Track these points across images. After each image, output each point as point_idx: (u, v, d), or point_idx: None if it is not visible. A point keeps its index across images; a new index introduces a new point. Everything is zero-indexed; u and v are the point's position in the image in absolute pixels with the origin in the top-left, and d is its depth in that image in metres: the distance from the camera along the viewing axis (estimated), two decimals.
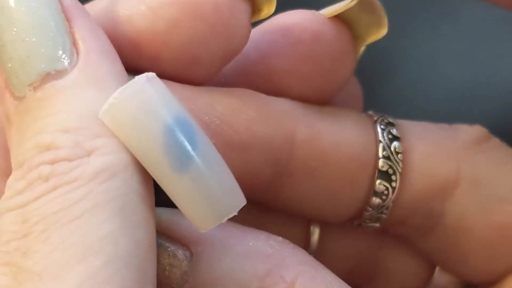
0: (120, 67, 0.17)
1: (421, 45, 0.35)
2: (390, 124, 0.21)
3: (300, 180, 0.19)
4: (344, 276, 0.19)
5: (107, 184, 0.15)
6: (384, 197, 0.19)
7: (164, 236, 0.17)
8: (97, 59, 0.17)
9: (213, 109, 0.18)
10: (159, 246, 0.16)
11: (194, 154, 0.15)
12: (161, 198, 0.16)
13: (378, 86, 0.35)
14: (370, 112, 0.21)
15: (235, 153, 0.18)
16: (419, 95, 0.34)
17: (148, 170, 0.16)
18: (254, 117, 0.18)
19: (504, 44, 0.35)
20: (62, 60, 0.16)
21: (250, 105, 0.18)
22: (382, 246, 0.22)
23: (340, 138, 0.19)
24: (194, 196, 0.16)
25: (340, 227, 0.21)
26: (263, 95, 0.19)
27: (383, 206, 0.19)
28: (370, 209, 0.19)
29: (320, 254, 0.21)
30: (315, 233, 0.21)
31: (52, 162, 0.15)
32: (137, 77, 0.16)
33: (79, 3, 0.18)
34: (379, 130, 0.20)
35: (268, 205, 0.20)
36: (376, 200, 0.19)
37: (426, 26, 0.36)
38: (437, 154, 0.20)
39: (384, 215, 0.19)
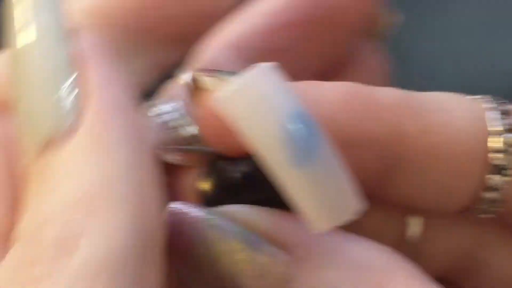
0: (133, 123, 0.16)
1: (420, 44, 0.35)
2: (505, 113, 0.19)
3: (409, 175, 0.18)
4: (443, 272, 0.19)
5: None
6: (497, 191, 0.18)
7: (264, 238, 0.16)
8: (106, 117, 0.15)
9: (320, 105, 0.17)
10: (257, 248, 0.16)
11: (317, 148, 0.15)
12: (262, 196, 0.16)
13: None
14: (479, 97, 0.20)
15: (343, 150, 0.16)
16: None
17: (264, 163, 0.15)
18: (361, 112, 0.17)
19: (501, 40, 0.35)
20: (65, 122, 0.15)
21: (356, 100, 0.17)
22: (488, 240, 0.20)
23: (450, 131, 0.18)
24: (314, 193, 0.15)
25: (443, 219, 0.20)
26: (368, 87, 0.18)
27: (496, 200, 0.18)
28: (483, 202, 0.18)
29: (419, 246, 0.20)
30: (413, 224, 0.20)
31: (39, 244, 0.14)
32: (258, 65, 0.15)
33: (98, 41, 0.17)
34: (492, 118, 0.18)
35: (370, 198, 0.18)
36: (488, 194, 0.18)
37: (423, 23, 0.36)
38: None
39: (499, 208, 0.18)
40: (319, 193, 0.15)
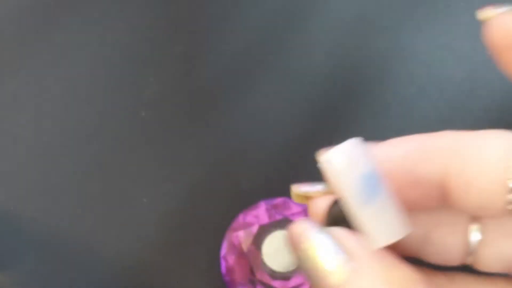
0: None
1: (419, 45, 0.35)
2: None
3: (456, 197, 0.23)
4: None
5: None
6: None
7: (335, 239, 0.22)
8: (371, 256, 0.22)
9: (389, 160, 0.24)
10: (325, 244, 0.22)
11: (378, 195, 0.22)
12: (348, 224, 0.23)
13: (378, 86, 0.35)
14: None
15: (410, 186, 0.23)
16: (418, 94, 0.34)
17: (346, 203, 0.22)
18: (417, 161, 0.24)
19: None
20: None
21: (412, 152, 0.24)
22: None
23: (480, 168, 0.23)
24: (374, 222, 0.22)
25: (499, 225, 0.25)
26: (420, 138, 0.25)
27: None
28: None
29: (480, 251, 0.25)
30: (474, 230, 0.25)
31: None
32: (349, 140, 0.23)
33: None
34: None
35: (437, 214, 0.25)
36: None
37: (423, 25, 0.36)
38: None
39: None
40: (378, 222, 0.22)
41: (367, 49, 0.35)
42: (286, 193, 0.33)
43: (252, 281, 0.29)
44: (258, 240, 0.29)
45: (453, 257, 0.25)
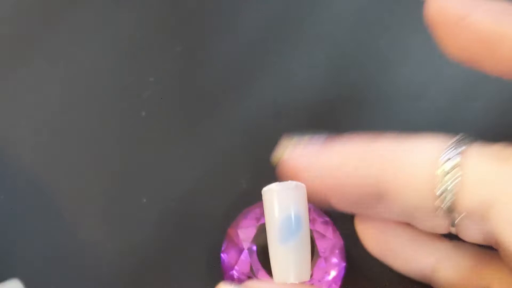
0: None
1: (419, 45, 0.35)
2: (460, 153, 0.26)
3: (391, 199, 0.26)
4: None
5: None
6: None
7: None
8: None
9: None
10: None
11: (292, 238, 0.25)
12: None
13: (377, 86, 0.35)
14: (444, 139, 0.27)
15: (351, 189, 0.26)
16: (418, 94, 0.34)
17: (268, 234, 0.26)
18: (352, 169, 0.27)
19: None
20: None
21: (348, 161, 0.27)
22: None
23: (410, 172, 0.25)
24: (282, 259, 0.25)
25: None
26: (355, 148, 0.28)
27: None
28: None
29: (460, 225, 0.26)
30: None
31: None
32: (290, 181, 0.26)
33: None
34: (442, 161, 0.26)
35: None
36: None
37: (423, 25, 0.36)
38: None
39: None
40: (285, 262, 0.25)
41: (367, 49, 0.35)
42: None
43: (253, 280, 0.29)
44: (258, 239, 0.29)
45: (440, 225, 0.26)
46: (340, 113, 0.34)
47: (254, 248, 0.30)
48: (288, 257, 0.25)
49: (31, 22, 0.37)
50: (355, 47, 0.35)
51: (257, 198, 0.33)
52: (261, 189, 0.33)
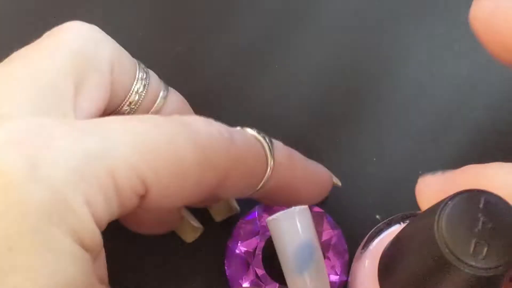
0: None
1: (419, 45, 0.35)
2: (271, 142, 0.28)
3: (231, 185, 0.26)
4: None
5: None
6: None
7: None
8: None
9: None
10: None
11: (308, 266, 0.25)
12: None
13: (378, 86, 0.35)
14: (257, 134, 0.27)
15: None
16: (418, 94, 0.34)
17: (282, 265, 0.25)
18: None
19: None
20: None
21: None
22: None
23: (250, 161, 0.26)
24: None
25: None
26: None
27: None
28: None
29: None
30: None
31: None
32: (293, 207, 0.25)
33: None
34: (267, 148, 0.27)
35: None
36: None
37: (423, 25, 0.36)
38: None
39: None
40: None
41: (367, 49, 0.35)
42: None
43: (257, 284, 0.29)
44: (261, 247, 0.30)
45: None
46: (340, 113, 0.34)
47: (259, 257, 0.30)
48: (308, 285, 0.25)
49: (31, 22, 0.37)
50: (355, 47, 0.35)
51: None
52: None
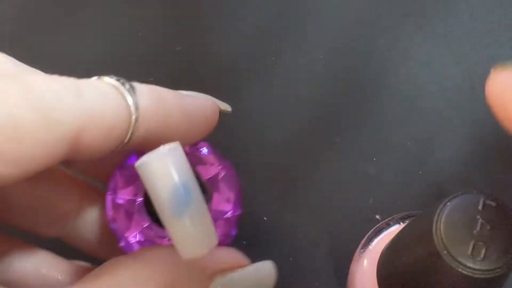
0: None
1: (419, 45, 0.35)
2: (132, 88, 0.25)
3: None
4: None
5: None
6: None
7: None
8: None
9: None
10: None
11: (187, 210, 0.22)
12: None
13: (377, 86, 0.35)
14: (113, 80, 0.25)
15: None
16: (418, 94, 0.34)
17: (157, 211, 0.23)
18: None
19: (498, 43, 0.35)
20: None
21: None
22: None
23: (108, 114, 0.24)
24: (183, 236, 0.23)
25: None
26: None
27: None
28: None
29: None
30: None
31: None
32: (161, 147, 0.23)
33: None
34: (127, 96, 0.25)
35: None
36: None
37: (423, 25, 0.36)
38: None
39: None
40: (185, 236, 0.22)
41: (367, 49, 0.35)
42: (286, 192, 0.33)
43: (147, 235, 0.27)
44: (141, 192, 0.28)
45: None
46: (340, 113, 0.34)
47: (141, 205, 0.27)
48: (189, 231, 0.22)
49: (31, 22, 0.37)
50: (355, 47, 0.35)
51: (257, 198, 0.33)
52: (259, 188, 0.33)
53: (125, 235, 0.26)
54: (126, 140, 0.23)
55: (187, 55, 0.36)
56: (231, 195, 0.27)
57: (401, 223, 0.28)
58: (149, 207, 0.26)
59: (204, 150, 0.28)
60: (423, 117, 0.34)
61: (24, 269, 0.27)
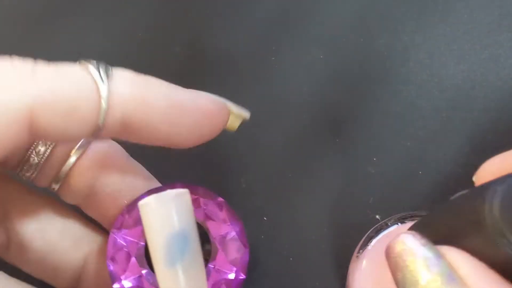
0: None
1: (419, 45, 0.35)
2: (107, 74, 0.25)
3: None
4: None
5: None
6: None
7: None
8: None
9: None
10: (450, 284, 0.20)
11: (181, 258, 0.22)
12: None
13: (377, 86, 0.35)
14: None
15: None
16: (418, 94, 0.34)
17: (151, 256, 0.22)
18: None
19: (498, 43, 0.35)
20: None
21: None
22: None
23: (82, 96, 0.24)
24: (172, 285, 0.22)
25: None
26: None
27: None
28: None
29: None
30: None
31: None
32: (169, 191, 0.22)
33: None
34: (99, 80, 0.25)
35: None
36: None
37: (423, 25, 0.36)
38: None
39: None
40: (177, 286, 0.22)
41: (367, 49, 0.35)
42: (286, 192, 0.33)
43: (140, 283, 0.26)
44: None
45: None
46: (340, 112, 0.34)
47: (142, 247, 0.26)
48: (179, 282, 0.22)
49: (31, 22, 0.37)
50: (354, 47, 0.35)
51: (257, 198, 0.33)
52: (259, 188, 0.33)
53: (121, 278, 0.26)
54: (100, 124, 0.22)
55: (186, 55, 0.36)
56: (237, 257, 0.26)
57: (400, 223, 0.28)
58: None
59: (219, 204, 0.27)
60: (423, 117, 0.34)
61: None
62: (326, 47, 0.36)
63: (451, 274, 0.18)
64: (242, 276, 0.26)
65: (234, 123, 0.26)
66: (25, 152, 0.26)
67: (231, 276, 0.25)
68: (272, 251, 0.32)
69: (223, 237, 0.26)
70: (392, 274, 0.20)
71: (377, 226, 0.28)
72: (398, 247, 0.20)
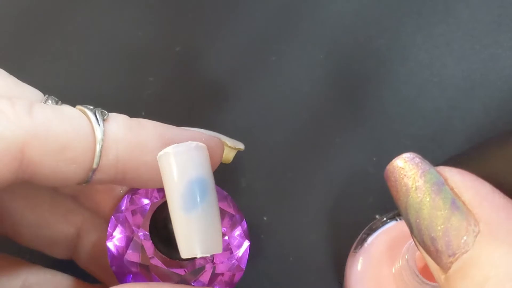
0: None
1: (419, 45, 0.35)
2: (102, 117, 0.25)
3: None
4: None
5: None
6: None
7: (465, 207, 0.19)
8: (500, 217, 0.18)
9: None
10: (456, 210, 0.19)
11: (198, 206, 0.22)
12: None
13: (378, 86, 0.35)
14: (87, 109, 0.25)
15: None
16: (418, 94, 0.34)
17: (169, 203, 0.22)
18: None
19: (498, 43, 0.35)
20: (471, 233, 0.18)
21: None
22: None
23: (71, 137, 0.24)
24: (188, 231, 0.22)
25: None
26: None
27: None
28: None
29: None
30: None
31: None
32: (189, 142, 0.22)
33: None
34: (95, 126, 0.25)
35: None
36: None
37: (423, 25, 0.36)
38: None
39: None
40: (191, 234, 0.22)
41: (367, 49, 0.35)
42: (286, 192, 0.33)
43: (146, 267, 0.26)
44: (149, 221, 0.27)
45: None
46: (339, 112, 0.34)
47: (145, 232, 0.26)
48: (194, 227, 0.22)
49: (31, 22, 0.37)
50: (354, 47, 0.35)
51: (257, 198, 0.33)
52: (259, 188, 0.33)
53: (124, 257, 0.26)
54: (94, 166, 0.23)
55: (186, 55, 0.36)
56: (238, 251, 0.26)
57: (398, 219, 0.28)
58: (155, 240, 0.26)
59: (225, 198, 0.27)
60: (423, 117, 0.34)
61: None
62: (326, 47, 0.36)
63: (454, 201, 0.18)
64: (242, 270, 0.26)
65: (228, 155, 0.27)
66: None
67: (231, 269, 0.26)
68: (272, 251, 0.32)
69: (229, 228, 0.27)
70: (394, 199, 0.20)
71: (371, 225, 0.28)
72: (398, 167, 0.20)
